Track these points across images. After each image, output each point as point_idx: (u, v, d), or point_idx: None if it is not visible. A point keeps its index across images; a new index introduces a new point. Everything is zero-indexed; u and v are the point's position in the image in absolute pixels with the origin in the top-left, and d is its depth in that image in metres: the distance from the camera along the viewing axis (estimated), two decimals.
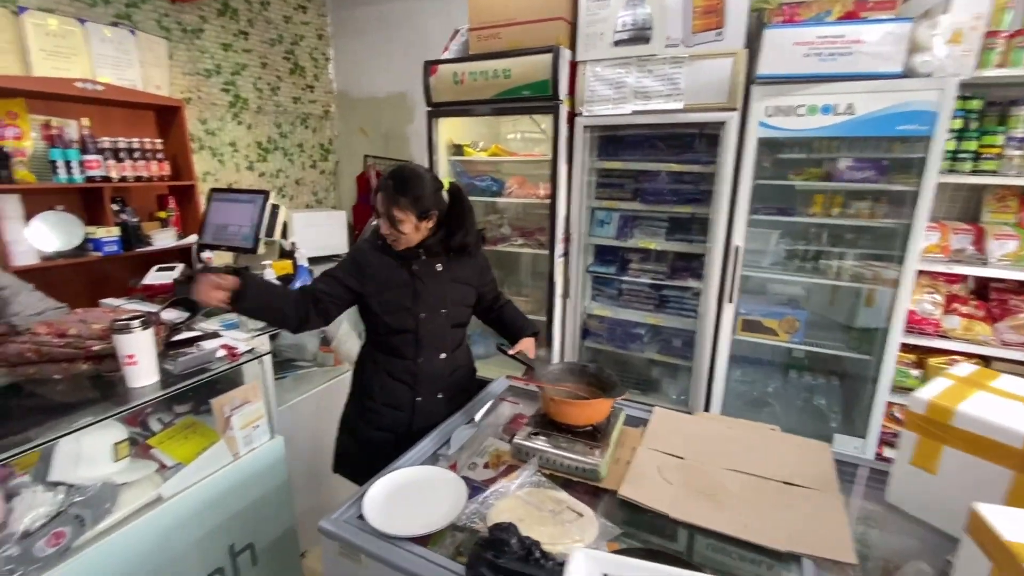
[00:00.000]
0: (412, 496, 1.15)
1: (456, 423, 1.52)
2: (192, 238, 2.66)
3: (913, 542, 1.07)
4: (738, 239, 2.14)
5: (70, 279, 2.51)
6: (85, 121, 2.39)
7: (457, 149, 2.77)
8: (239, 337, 1.67)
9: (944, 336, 2.14)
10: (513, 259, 3.11)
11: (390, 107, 3.88)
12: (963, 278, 2.22)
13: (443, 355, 1.55)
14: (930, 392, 1.09)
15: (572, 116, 2.33)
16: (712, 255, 2.19)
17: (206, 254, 2.34)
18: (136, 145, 2.59)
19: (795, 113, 1.97)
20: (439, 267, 1.49)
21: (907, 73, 1.82)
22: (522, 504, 1.12)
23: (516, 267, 3.16)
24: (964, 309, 2.12)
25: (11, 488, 1.13)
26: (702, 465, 1.28)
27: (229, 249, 2.20)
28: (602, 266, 2.59)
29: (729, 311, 2.21)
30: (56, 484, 1.20)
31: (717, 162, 2.11)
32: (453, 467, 1.32)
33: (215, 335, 1.64)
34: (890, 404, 2.14)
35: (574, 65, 2.27)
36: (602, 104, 2.23)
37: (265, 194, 2.13)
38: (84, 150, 2.38)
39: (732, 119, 2.02)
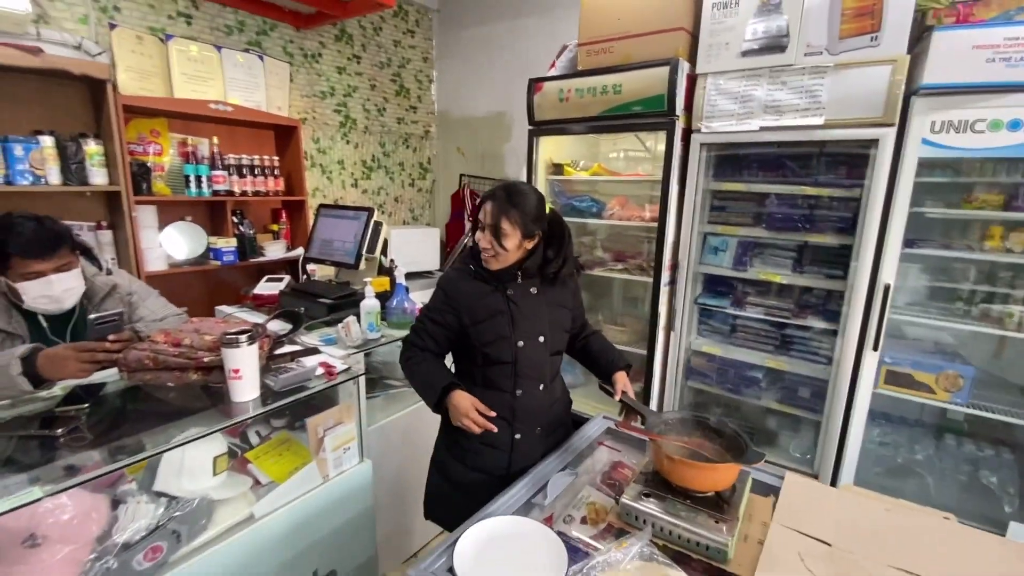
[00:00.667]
0: (506, 552, 1.03)
1: (552, 467, 1.38)
2: (299, 251, 2.78)
3: None
4: (888, 276, 1.82)
5: (192, 285, 2.70)
6: (215, 139, 2.59)
7: (556, 168, 2.67)
8: (336, 354, 1.65)
9: None
10: (605, 284, 2.94)
11: (487, 126, 3.89)
12: None
13: (542, 386, 1.42)
14: None
15: (687, 133, 2.14)
16: (854, 293, 1.88)
17: (311, 267, 2.42)
18: (256, 162, 2.77)
19: (971, 129, 1.64)
20: (534, 290, 1.38)
21: None
22: None
23: (609, 293, 2.98)
24: None
25: (119, 494, 1.15)
26: (856, 557, 1.03)
27: (332, 264, 2.24)
28: (713, 298, 2.34)
29: (872, 359, 1.88)
30: (158, 495, 1.21)
31: (865, 185, 1.82)
32: (549, 519, 1.19)
33: (315, 351, 1.63)
34: None
35: (692, 79, 2.09)
36: (724, 120, 2.02)
37: (370, 211, 2.15)
38: (213, 166, 2.57)
39: (888, 136, 1.73)
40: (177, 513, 1.17)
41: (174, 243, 2.52)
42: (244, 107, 2.66)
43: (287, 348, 1.65)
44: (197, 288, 2.73)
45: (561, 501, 1.28)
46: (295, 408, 1.51)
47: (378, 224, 2.13)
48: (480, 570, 0.97)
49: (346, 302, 1.96)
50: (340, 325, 1.74)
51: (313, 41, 3.23)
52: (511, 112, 3.71)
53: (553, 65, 2.51)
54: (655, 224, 2.23)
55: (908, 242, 1.84)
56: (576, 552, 1.06)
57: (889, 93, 1.70)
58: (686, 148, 2.15)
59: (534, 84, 2.42)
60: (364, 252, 2.09)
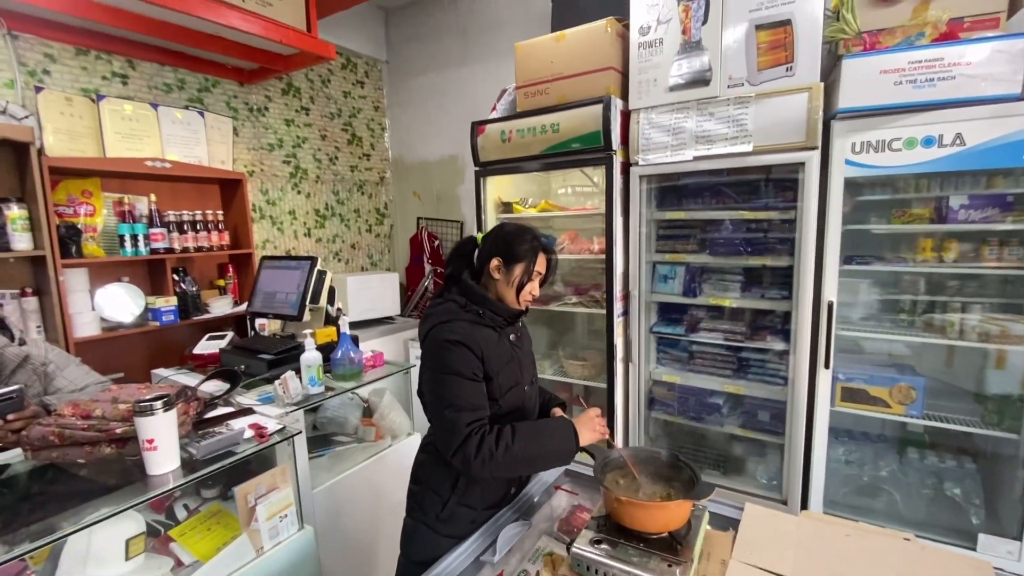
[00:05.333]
0: None
1: (504, 519, 1.30)
2: (245, 306, 2.68)
3: None
4: (830, 293, 1.84)
5: (130, 349, 2.56)
6: (153, 197, 2.51)
7: (506, 207, 2.68)
8: (273, 413, 1.56)
9: None
10: (567, 319, 2.91)
11: (441, 170, 3.93)
12: None
13: None
14: None
15: (627, 166, 2.19)
16: (800, 312, 1.89)
17: (260, 321, 2.32)
18: (199, 217, 2.69)
19: (889, 148, 1.71)
20: (519, 334, 1.36)
21: None
22: None
23: (571, 327, 2.96)
24: None
25: None
26: None
27: (275, 317, 2.16)
28: (668, 326, 2.33)
29: (825, 377, 1.88)
30: None
31: (798, 207, 1.86)
32: None
33: (248, 411, 1.53)
34: None
35: (626, 114, 2.15)
36: (659, 152, 2.07)
37: (312, 260, 2.09)
38: (151, 224, 2.49)
39: (812, 158, 1.79)
40: None
41: (109, 306, 2.39)
42: (184, 163, 2.61)
43: (220, 410, 1.55)
44: (136, 352, 2.58)
45: (515, 555, 1.20)
46: (228, 476, 1.40)
47: (321, 272, 2.07)
48: None
49: (288, 356, 1.87)
50: (277, 382, 1.65)
51: (259, 95, 3.23)
52: (463, 155, 3.76)
53: (494, 108, 2.56)
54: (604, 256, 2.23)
55: (847, 259, 1.88)
56: None
57: (809, 118, 1.77)
58: (626, 180, 2.19)
59: (476, 127, 2.45)
60: (307, 302, 2.01)
